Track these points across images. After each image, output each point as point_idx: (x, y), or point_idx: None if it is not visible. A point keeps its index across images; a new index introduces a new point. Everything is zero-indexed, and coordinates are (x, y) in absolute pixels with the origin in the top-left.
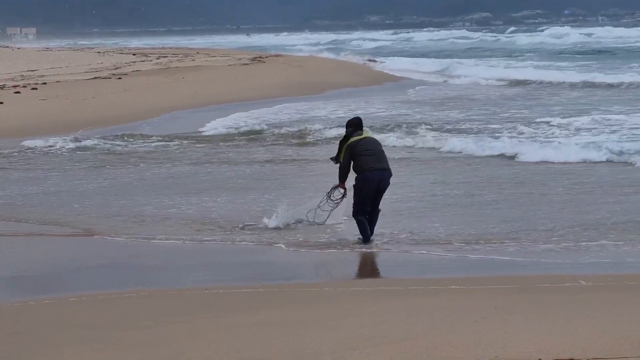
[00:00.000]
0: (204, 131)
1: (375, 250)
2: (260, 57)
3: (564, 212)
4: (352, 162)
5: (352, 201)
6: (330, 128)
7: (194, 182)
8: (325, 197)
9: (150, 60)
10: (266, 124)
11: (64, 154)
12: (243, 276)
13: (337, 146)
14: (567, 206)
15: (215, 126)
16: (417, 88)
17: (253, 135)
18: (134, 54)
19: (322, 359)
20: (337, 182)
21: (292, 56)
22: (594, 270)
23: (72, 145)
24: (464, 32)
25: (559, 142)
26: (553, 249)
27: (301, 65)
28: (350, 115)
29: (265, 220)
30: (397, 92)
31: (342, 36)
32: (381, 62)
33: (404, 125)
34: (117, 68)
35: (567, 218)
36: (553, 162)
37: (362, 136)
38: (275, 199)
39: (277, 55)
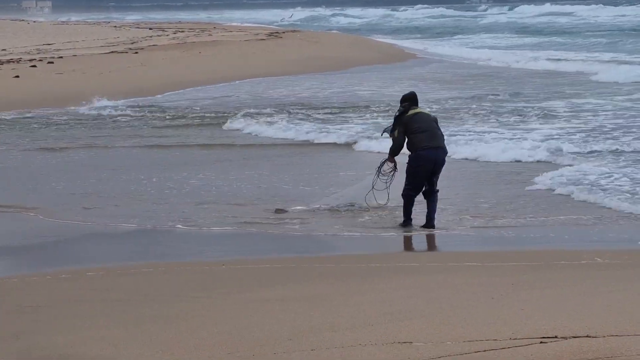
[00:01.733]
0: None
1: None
2: (277, 32)
3: None
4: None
5: (404, 182)
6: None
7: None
8: (375, 175)
9: (167, 35)
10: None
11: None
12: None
13: (392, 120)
14: None
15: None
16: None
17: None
18: (150, 29)
19: (339, 335)
20: (381, 158)
21: (309, 32)
22: (610, 247)
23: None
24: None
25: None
26: (568, 226)
27: (318, 41)
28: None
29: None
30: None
31: (318, 12)
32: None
33: None
34: (134, 43)
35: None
36: None
37: (416, 111)
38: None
39: (294, 31)
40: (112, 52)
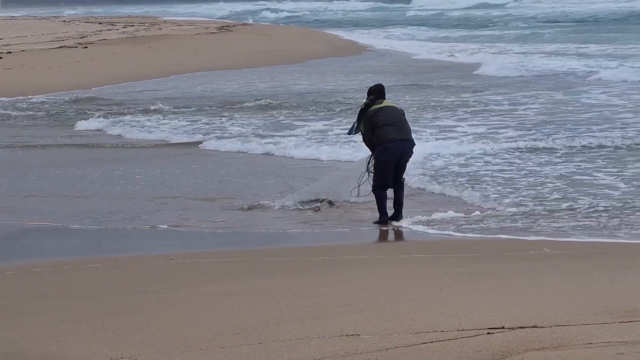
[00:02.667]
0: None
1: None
2: (228, 26)
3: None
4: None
5: (372, 177)
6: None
7: None
8: (364, 171)
9: (117, 29)
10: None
11: None
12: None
13: (357, 116)
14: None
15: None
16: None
17: None
18: (100, 23)
19: (286, 328)
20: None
21: (260, 25)
22: (558, 238)
23: None
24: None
25: None
26: (519, 218)
27: (268, 34)
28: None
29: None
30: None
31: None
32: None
33: None
34: (83, 37)
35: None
36: None
37: (382, 105)
38: None
39: (245, 25)
40: (61, 46)
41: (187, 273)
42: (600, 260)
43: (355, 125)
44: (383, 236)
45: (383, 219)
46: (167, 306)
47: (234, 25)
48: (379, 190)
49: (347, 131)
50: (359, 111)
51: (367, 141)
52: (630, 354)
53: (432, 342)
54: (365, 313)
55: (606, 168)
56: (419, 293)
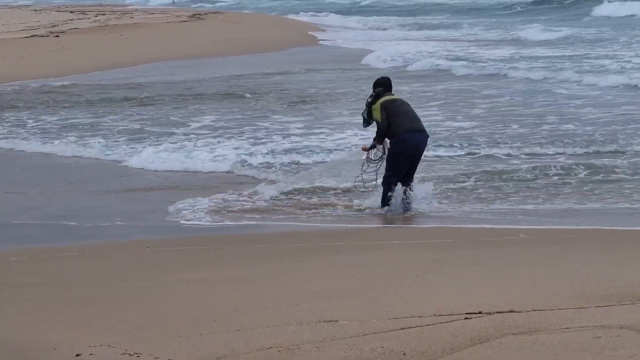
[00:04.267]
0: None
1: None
2: (199, 14)
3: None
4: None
5: (385, 168)
6: None
7: None
8: (364, 160)
9: (89, 18)
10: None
11: None
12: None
13: (365, 108)
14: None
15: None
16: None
17: None
18: (71, 12)
19: (264, 314)
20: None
21: (231, 13)
22: (533, 224)
23: None
24: None
25: None
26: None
27: (240, 22)
28: None
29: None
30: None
31: None
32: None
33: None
34: (55, 26)
35: None
36: None
37: (394, 97)
38: None
39: (216, 12)
40: (33, 35)
41: (164, 261)
42: (575, 245)
43: (366, 117)
44: (359, 223)
45: (382, 206)
46: (145, 294)
47: (205, 14)
48: (389, 182)
49: (362, 125)
50: (368, 103)
51: (384, 130)
52: (607, 337)
53: (409, 327)
54: (342, 299)
55: None
56: (396, 279)
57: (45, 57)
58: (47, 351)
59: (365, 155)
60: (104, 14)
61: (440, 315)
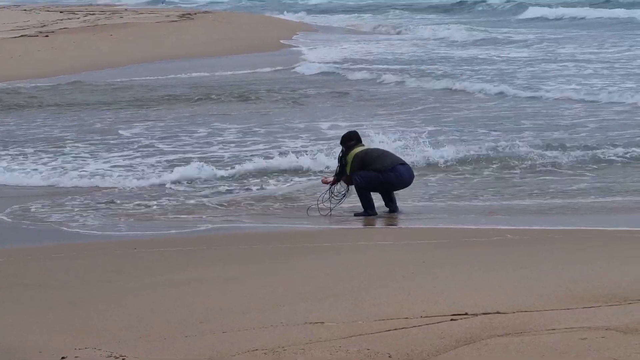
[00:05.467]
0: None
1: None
2: (189, 13)
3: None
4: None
5: (365, 175)
6: None
7: None
8: (327, 191)
9: (78, 18)
10: None
11: None
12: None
13: (338, 164)
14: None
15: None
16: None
17: None
18: (61, 12)
19: (250, 316)
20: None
21: (221, 13)
22: (520, 225)
23: None
24: None
25: None
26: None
27: (230, 21)
28: None
29: None
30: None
31: None
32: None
33: None
34: (44, 26)
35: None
36: None
37: (367, 147)
38: None
39: (206, 12)
40: (22, 35)
41: (149, 262)
42: (562, 245)
43: (338, 171)
44: (345, 223)
45: (370, 211)
46: (130, 295)
47: (195, 13)
48: (364, 187)
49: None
50: (339, 158)
51: (347, 181)
52: (593, 339)
53: (396, 329)
54: (328, 301)
55: None
56: (382, 280)
57: (34, 57)
58: (32, 353)
59: (328, 187)
60: (93, 14)
61: (426, 317)
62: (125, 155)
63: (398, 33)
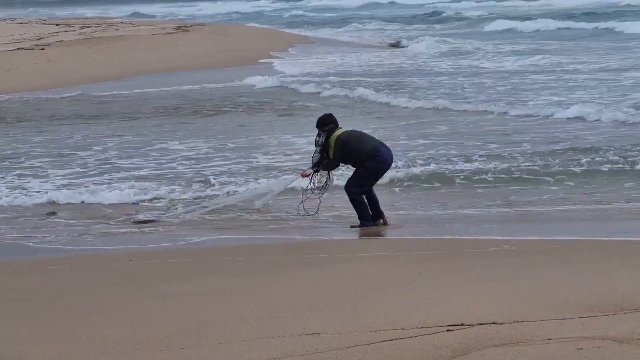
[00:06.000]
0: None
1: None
2: (185, 25)
3: None
4: (344, 156)
5: (355, 182)
6: None
7: None
8: (309, 185)
9: (74, 31)
10: None
11: None
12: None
13: (316, 148)
14: None
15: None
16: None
17: None
18: (57, 24)
19: (246, 327)
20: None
21: (217, 25)
22: (517, 235)
23: None
24: None
25: None
26: (477, 215)
27: (226, 33)
28: None
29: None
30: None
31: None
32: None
33: None
34: (40, 39)
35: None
36: None
37: (347, 129)
38: None
39: (202, 24)
40: (18, 48)
41: (146, 274)
42: (558, 256)
43: (318, 156)
44: (342, 235)
45: (366, 222)
46: (127, 307)
47: (190, 25)
48: (358, 198)
49: (312, 167)
50: (319, 142)
51: (332, 166)
52: (589, 349)
53: (392, 339)
54: (325, 312)
55: None
56: (379, 291)
57: (30, 70)
58: None
59: (309, 181)
60: (89, 27)
61: (422, 327)
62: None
63: (395, 46)
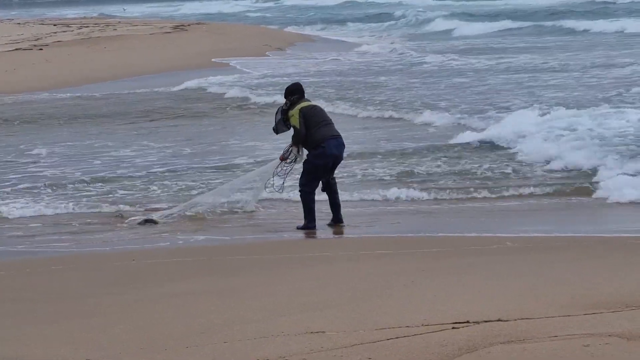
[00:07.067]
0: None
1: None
2: (183, 25)
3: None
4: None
5: (300, 178)
6: None
7: None
8: (278, 161)
9: (72, 31)
10: None
11: None
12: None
13: (275, 116)
14: None
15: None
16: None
17: None
18: (55, 25)
19: (251, 326)
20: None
21: (214, 24)
22: (520, 232)
23: None
24: None
25: None
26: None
27: (224, 32)
28: None
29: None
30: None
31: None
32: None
33: None
34: (38, 39)
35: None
36: None
37: (311, 103)
38: None
39: (199, 24)
40: (16, 49)
41: (149, 274)
42: (563, 252)
43: (280, 123)
44: (346, 233)
45: (311, 225)
46: (131, 307)
47: (188, 25)
48: (307, 193)
49: (273, 129)
50: (280, 110)
51: (302, 137)
52: (596, 345)
53: (397, 337)
54: (330, 310)
55: None
56: (383, 289)
57: (28, 70)
58: None
59: (280, 157)
60: (87, 26)
61: (428, 325)
62: None
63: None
